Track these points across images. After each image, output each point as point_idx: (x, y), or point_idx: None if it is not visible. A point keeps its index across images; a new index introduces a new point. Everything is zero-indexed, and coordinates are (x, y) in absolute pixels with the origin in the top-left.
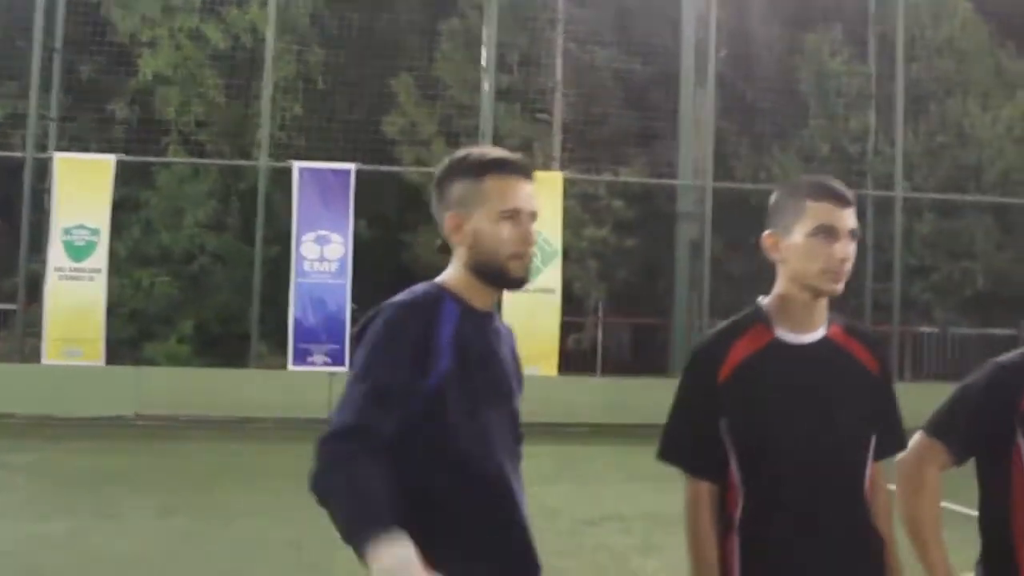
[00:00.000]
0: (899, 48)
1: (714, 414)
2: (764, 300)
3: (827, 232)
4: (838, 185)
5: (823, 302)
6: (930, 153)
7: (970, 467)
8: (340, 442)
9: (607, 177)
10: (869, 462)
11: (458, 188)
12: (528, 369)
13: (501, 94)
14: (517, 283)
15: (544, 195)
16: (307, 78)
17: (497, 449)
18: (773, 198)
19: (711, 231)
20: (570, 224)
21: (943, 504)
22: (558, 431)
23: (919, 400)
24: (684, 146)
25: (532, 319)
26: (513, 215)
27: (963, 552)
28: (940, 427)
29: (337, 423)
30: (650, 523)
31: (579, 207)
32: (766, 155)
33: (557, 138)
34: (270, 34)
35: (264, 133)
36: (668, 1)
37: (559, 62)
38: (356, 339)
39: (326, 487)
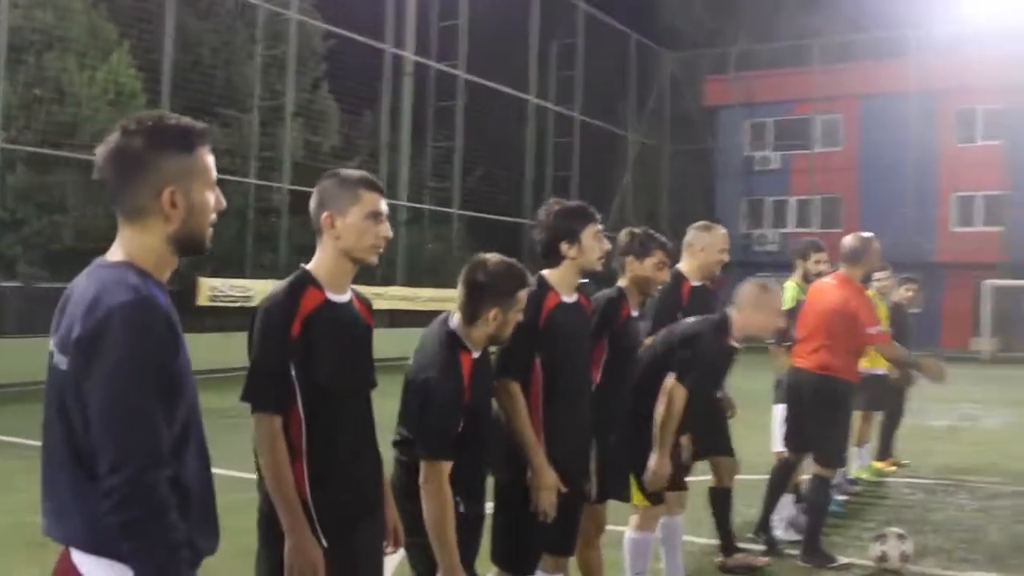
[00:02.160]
0: None
1: (288, 359)
2: (309, 266)
3: (376, 216)
4: (377, 178)
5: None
6: (27, 106)
7: None
8: (153, 482)
9: None
10: None
11: (173, 160)
12: None
13: None
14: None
15: None
16: None
17: None
18: (323, 184)
19: None
20: None
21: None
22: None
23: None
24: None
25: None
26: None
27: None
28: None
29: (138, 454)
30: None
31: None
32: None
33: None
34: None
35: None
36: None
37: None
38: (91, 342)
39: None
